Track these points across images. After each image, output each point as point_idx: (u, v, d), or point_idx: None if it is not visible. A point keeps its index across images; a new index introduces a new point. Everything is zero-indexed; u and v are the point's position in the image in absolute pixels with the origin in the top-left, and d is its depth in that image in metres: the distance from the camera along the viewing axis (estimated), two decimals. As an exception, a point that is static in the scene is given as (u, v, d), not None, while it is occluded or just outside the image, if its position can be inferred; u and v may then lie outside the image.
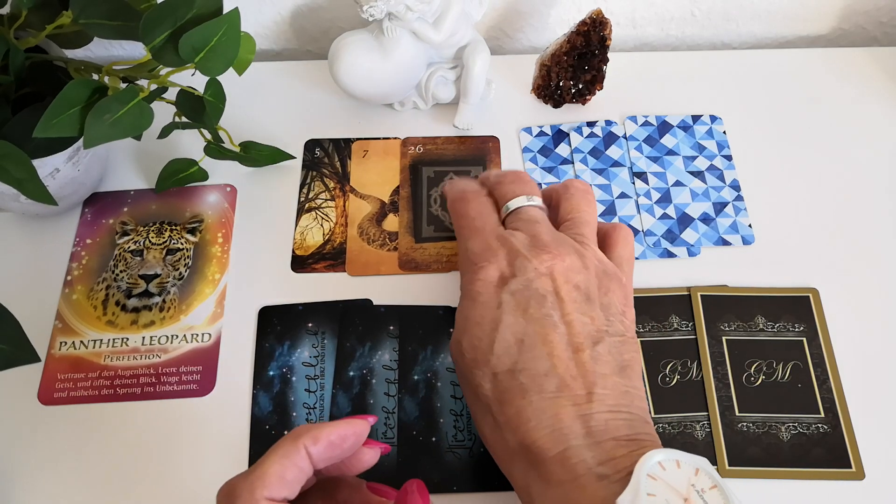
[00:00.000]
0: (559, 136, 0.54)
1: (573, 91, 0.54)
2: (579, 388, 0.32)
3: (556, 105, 0.55)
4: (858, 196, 0.52)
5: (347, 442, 0.31)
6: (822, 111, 0.56)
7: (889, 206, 0.51)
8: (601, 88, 0.54)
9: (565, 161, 0.53)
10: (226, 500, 0.29)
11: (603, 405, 0.32)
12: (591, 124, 0.54)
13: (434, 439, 0.43)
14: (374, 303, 0.47)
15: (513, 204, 0.39)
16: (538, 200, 0.39)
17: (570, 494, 0.29)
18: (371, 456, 0.34)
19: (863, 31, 0.63)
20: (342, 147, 0.54)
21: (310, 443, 0.30)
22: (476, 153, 0.54)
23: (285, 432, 0.43)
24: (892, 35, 0.63)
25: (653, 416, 0.43)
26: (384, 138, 0.55)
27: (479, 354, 0.34)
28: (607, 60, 0.52)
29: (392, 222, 0.51)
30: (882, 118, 0.55)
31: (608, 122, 0.55)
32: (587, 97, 0.54)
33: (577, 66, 0.51)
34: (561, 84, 0.53)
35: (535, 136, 0.54)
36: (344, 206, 0.51)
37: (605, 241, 0.39)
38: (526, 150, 0.54)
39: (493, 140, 0.54)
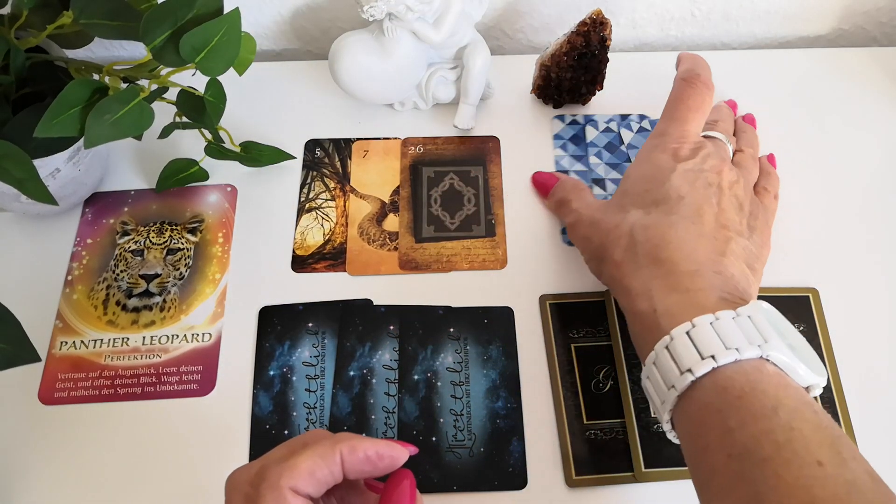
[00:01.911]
0: (592, 125, 0.55)
1: (573, 91, 0.54)
2: (717, 246, 0.38)
3: (556, 105, 0.55)
4: (858, 196, 0.52)
5: (383, 462, 0.31)
6: (821, 111, 0.56)
7: (889, 206, 0.51)
8: (601, 88, 0.54)
9: (592, 150, 0.53)
10: (256, 478, 0.29)
11: (731, 266, 0.37)
12: (624, 117, 0.55)
13: (434, 439, 0.43)
14: (374, 303, 0.47)
15: (717, 135, 0.45)
16: (732, 147, 0.46)
17: (693, 298, 0.36)
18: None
19: (863, 32, 0.63)
20: (342, 147, 0.54)
21: (347, 451, 0.30)
22: (476, 153, 0.54)
23: (286, 432, 0.43)
24: (892, 35, 0.63)
25: (653, 415, 0.43)
26: (384, 138, 0.55)
27: (638, 199, 0.41)
28: (607, 60, 0.52)
29: (392, 222, 0.51)
30: (882, 118, 0.55)
31: (640, 117, 0.55)
32: (587, 97, 0.54)
33: (577, 66, 0.51)
34: (561, 84, 0.53)
35: (568, 123, 0.55)
36: (344, 205, 0.52)
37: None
38: (557, 137, 0.54)
39: (493, 140, 0.54)
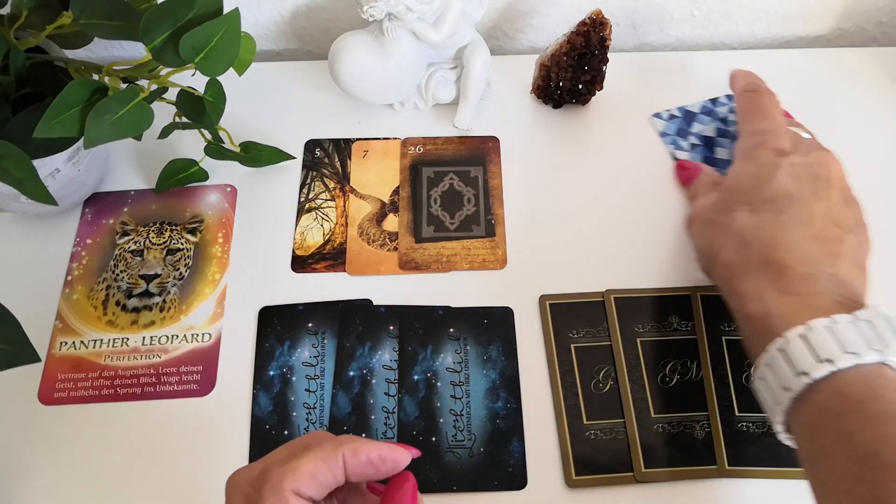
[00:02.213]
0: (689, 116, 0.55)
1: (573, 91, 0.54)
2: (829, 246, 0.37)
3: (556, 105, 0.55)
4: (859, 196, 0.51)
5: (385, 465, 0.31)
6: (821, 111, 0.55)
7: (890, 206, 0.51)
8: (601, 89, 0.54)
9: (701, 140, 0.54)
10: (258, 480, 0.29)
11: (844, 268, 0.37)
12: (713, 101, 0.55)
13: (434, 439, 0.43)
14: (374, 303, 0.47)
15: (795, 129, 0.45)
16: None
17: (808, 302, 0.35)
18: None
19: (862, 31, 0.63)
20: (342, 147, 0.54)
21: (349, 454, 0.30)
22: (476, 153, 0.54)
23: (285, 433, 0.43)
24: (892, 35, 0.63)
25: (653, 416, 0.43)
26: (384, 138, 0.55)
27: (746, 196, 0.40)
28: (607, 61, 0.52)
29: (392, 222, 0.51)
30: (882, 118, 0.55)
31: (729, 97, 0.55)
32: (587, 97, 0.54)
33: (576, 66, 0.51)
34: (561, 84, 0.53)
35: (668, 119, 0.55)
36: (344, 206, 0.52)
37: None
38: (663, 134, 0.54)
39: (493, 140, 0.54)
